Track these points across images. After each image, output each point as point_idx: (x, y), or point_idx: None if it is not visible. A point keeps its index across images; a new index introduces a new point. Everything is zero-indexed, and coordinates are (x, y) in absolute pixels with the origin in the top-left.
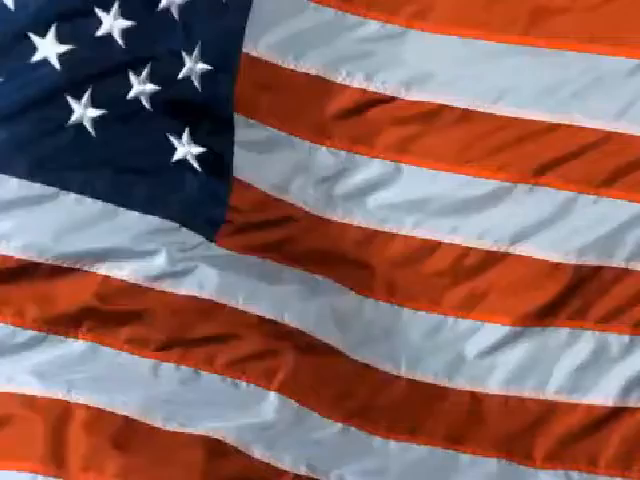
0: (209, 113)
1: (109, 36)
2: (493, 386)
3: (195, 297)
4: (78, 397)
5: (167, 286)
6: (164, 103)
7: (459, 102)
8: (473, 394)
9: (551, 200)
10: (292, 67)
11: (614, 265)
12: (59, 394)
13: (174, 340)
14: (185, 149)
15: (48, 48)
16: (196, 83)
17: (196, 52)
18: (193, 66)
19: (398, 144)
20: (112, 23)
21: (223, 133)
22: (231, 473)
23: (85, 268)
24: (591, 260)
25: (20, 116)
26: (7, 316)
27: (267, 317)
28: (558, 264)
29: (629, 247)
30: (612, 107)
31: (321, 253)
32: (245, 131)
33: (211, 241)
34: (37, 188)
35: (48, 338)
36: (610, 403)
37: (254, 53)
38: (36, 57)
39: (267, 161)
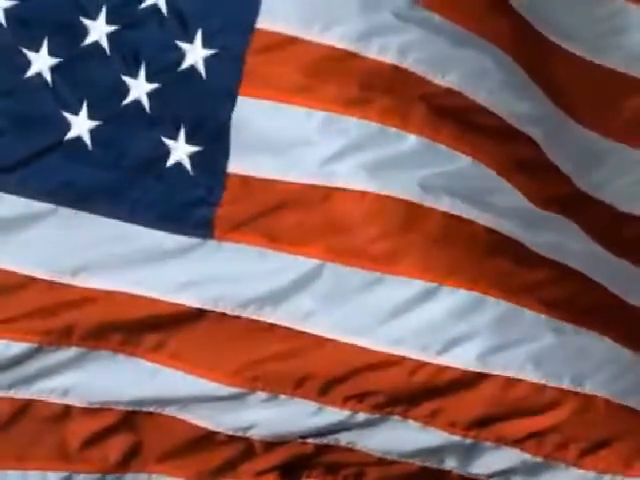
0: (210, 103)
1: (96, 44)
2: None
3: None
4: None
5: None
6: (161, 102)
7: None
8: None
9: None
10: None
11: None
12: None
13: None
14: (180, 150)
15: (41, 62)
16: (201, 70)
17: (197, 38)
18: (196, 54)
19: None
20: (99, 30)
21: (222, 125)
22: None
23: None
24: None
25: (18, 133)
26: None
27: None
28: None
29: None
30: None
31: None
32: (249, 110)
33: (211, 238)
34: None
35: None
36: None
37: (272, 28)
38: (30, 72)
39: (271, 140)
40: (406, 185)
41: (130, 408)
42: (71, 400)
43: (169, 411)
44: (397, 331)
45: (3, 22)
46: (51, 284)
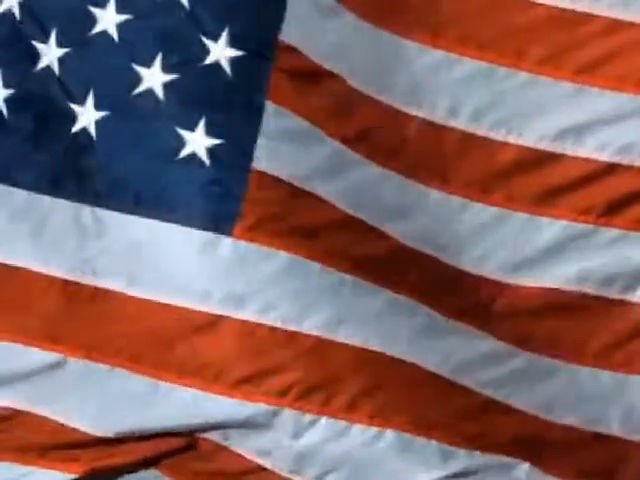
0: (235, 101)
1: (105, 33)
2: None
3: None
4: None
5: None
6: (181, 92)
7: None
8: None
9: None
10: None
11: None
12: None
13: None
14: (196, 142)
15: (51, 54)
16: (227, 69)
17: (223, 37)
18: (221, 52)
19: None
20: (108, 19)
21: (247, 122)
22: None
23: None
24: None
25: (27, 127)
26: None
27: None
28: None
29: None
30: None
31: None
32: (275, 120)
33: (228, 235)
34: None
35: None
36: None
37: (292, 43)
38: (41, 64)
39: (296, 152)
40: None
41: None
42: None
43: None
44: None
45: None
46: None
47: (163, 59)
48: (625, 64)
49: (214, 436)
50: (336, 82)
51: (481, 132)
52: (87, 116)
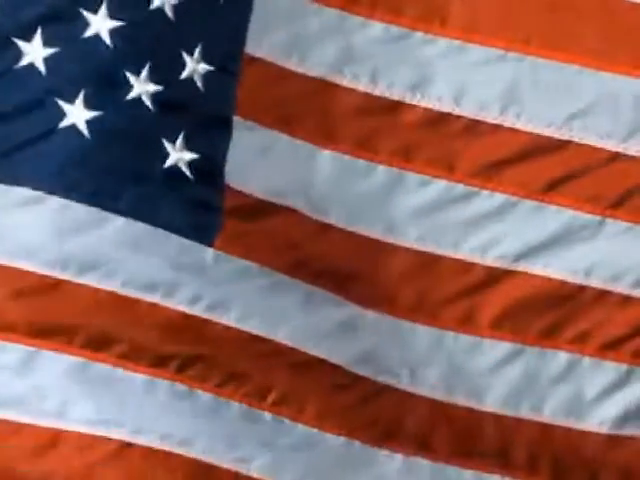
0: (208, 116)
1: (97, 37)
2: (489, 403)
3: (184, 313)
4: None
5: (158, 299)
6: (164, 104)
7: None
8: (471, 409)
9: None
10: (295, 68)
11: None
12: None
13: (167, 356)
14: (177, 155)
15: (35, 52)
16: (199, 84)
17: (197, 52)
18: (195, 66)
19: (402, 150)
20: (101, 24)
21: (219, 137)
22: None
23: (74, 279)
24: (597, 282)
25: (8, 121)
26: None
27: (260, 335)
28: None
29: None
30: (622, 127)
31: (322, 261)
32: (244, 134)
33: (209, 246)
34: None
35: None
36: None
37: (257, 54)
38: (23, 62)
39: (266, 164)
40: None
41: None
42: None
43: None
44: None
45: None
46: None
47: (150, 70)
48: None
49: None
50: (301, 80)
51: (489, 119)
52: (77, 114)
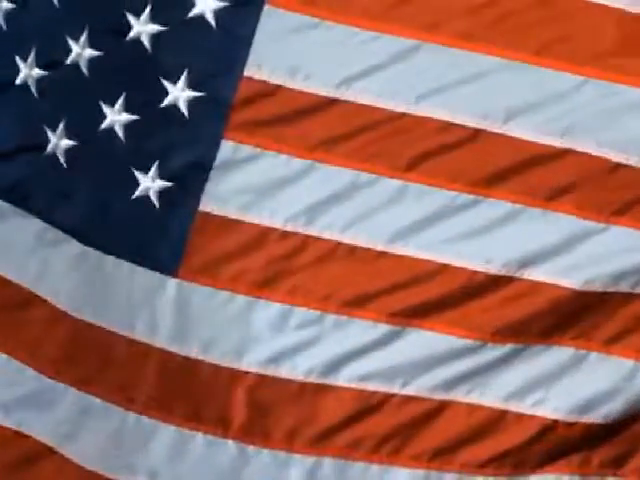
0: (188, 142)
1: (76, 66)
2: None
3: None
4: None
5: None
6: (138, 134)
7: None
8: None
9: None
10: (300, 87)
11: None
12: None
13: None
14: (148, 184)
15: (28, 74)
16: (183, 110)
17: (182, 79)
18: (179, 93)
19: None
20: (81, 53)
21: (199, 164)
22: None
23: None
24: (597, 287)
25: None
26: None
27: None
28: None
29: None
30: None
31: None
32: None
33: (173, 277)
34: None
35: None
36: None
37: (257, 76)
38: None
39: (246, 181)
40: None
41: None
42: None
43: None
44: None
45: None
46: None
47: (126, 99)
48: None
49: None
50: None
51: (491, 129)
52: (57, 142)
